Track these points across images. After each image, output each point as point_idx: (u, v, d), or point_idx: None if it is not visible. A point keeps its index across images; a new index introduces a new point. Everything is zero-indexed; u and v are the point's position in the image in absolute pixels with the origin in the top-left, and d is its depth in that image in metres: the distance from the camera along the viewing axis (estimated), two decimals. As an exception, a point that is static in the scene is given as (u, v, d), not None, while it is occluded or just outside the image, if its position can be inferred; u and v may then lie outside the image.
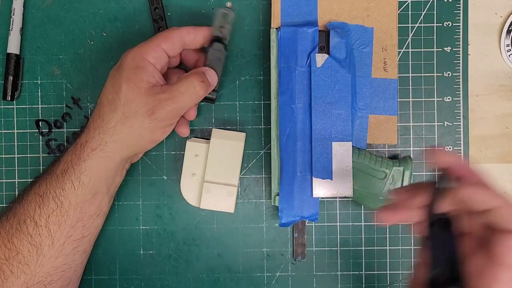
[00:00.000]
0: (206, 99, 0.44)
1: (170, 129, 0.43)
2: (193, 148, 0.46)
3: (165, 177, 0.48)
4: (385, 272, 0.48)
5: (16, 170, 0.48)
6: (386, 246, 0.48)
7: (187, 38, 0.42)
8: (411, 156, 0.48)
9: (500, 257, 0.31)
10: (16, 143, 0.48)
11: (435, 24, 0.48)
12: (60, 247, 0.41)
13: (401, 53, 0.48)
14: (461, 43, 0.48)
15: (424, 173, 0.48)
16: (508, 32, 0.48)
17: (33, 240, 0.40)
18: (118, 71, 0.41)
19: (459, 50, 0.48)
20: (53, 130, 0.48)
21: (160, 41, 0.41)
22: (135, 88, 0.40)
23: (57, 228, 0.40)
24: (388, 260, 0.48)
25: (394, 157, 0.48)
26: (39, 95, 0.48)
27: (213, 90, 0.44)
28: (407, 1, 0.48)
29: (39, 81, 0.48)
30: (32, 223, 0.40)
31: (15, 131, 0.48)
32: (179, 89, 0.40)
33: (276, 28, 0.45)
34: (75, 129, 0.48)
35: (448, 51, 0.48)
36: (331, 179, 0.44)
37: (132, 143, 0.41)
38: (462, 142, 0.48)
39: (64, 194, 0.40)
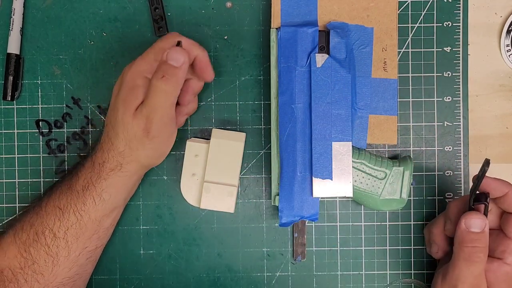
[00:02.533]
0: None
1: (173, 139, 0.43)
2: (193, 148, 0.46)
3: (165, 177, 0.48)
4: (385, 272, 0.48)
5: (16, 170, 0.48)
6: (386, 246, 0.48)
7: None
8: (411, 156, 0.48)
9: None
10: (16, 143, 0.48)
11: (435, 24, 0.48)
12: (75, 258, 0.41)
13: (401, 53, 0.48)
14: (461, 43, 0.48)
15: (424, 173, 0.48)
16: (508, 32, 0.48)
17: (50, 250, 0.40)
18: (117, 89, 0.41)
19: (459, 50, 0.48)
20: (53, 130, 0.48)
21: (154, 55, 0.41)
22: (128, 110, 0.39)
23: (75, 240, 0.41)
24: (388, 260, 0.48)
25: (394, 157, 0.48)
26: (39, 95, 0.48)
27: None
28: (407, 1, 0.48)
29: (39, 81, 0.48)
30: (51, 235, 0.40)
31: (15, 131, 0.48)
32: (150, 97, 0.39)
33: (276, 28, 0.45)
34: (75, 129, 0.48)
35: (448, 51, 0.48)
36: (331, 179, 0.44)
37: (144, 163, 0.42)
38: (462, 142, 0.48)
39: (85, 209, 0.41)
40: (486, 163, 0.38)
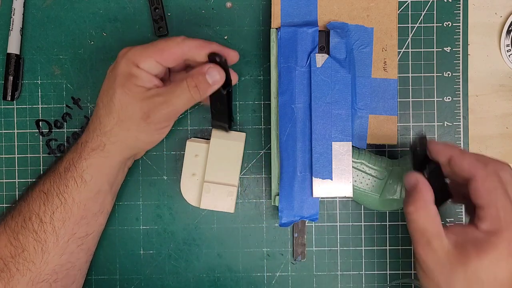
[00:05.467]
0: (219, 126, 0.45)
1: (167, 130, 0.43)
2: (193, 148, 0.46)
3: (165, 177, 0.48)
4: (385, 272, 0.48)
5: (16, 170, 0.48)
6: (386, 246, 0.48)
7: (190, 54, 0.41)
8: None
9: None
10: (16, 143, 0.48)
11: (435, 24, 0.48)
12: (65, 244, 0.41)
13: (401, 53, 0.48)
14: (461, 43, 0.48)
15: (424, 173, 0.48)
16: (508, 32, 0.48)
17: (38, 237, 0.40)
18: (112, 74, 0.41)
19: (459, 50, 0.48)
20: (53, 130, 0.48)
21: (153, 53, 0.40)
22: (129, 93, 0.39)
23: (62, 225, 0.40)
24: (388, 260, 0.48)
25: (394, 157, 0.48)
26: (39, 95, 0.48)
27: (228, 118, 0.44)
28: (407, 1, 0.48)
29: (39, 81, 0.48)
30: (37, 220, 0.40)
31: (15, 131, 0.48)
32: (173, 93, 0.39)
33: (276, 28, 0.45)
34: (75, 129, 0.48)
35: (448, 51, 0.48)
36: (331, 179, 0.44)
37: (130, 145, 0.42)
38: (462, 142, 0.48)
39: (67, 191, 0.41)
40: (419, 139, 0.38)
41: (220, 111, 0.44)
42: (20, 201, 0.42)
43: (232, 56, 0.42)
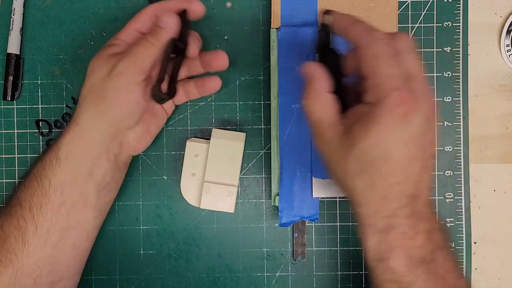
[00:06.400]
0: (157, 95, 0.41)
1: (138, 95, 0.40)
2: (193, 148, 0.46)
3: (165, 177, 0.48)
4: (385, 272, 0.48)
5: (16, 170, 0.48)
6: (386, 246, 0.48)
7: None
8: (411, 156, 0.48)
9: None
10: (16, 143, 0.48)
11: (435, 24, 0.48)
12: (45, 235, 0.39)
13: (401, 53, 0.48)
14: (461, 43, 0.48)
15: (424, 173, 0.48)
16: (508, 32, 0.48)
17: (18, 224, 0.39)
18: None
19: (459, 50, 0.48)
20: (53, 130, 0.48)
21: (130, 23, 0.42)
22: (99, 56, 0.40)
23: (39, 211, 0.39)
24: (388, 260, 0.48)
25: (394, 157, 0.48)
26: (39, 95, 0.48)
27: (170, 84, 0.42)
28: (407, 1, 0.48)
29: (39, 81, 0.48)
30: (18, 205, 0.39)
31: (15, 131, 0.48)
32: (133, 45, 0.40)
33: (276, 28, 0.45)
34: (75, 129, 0.48)
35: (448, 51, 0.48)
36: (331, 179, 0.44)
37: (102, 109, 0.40)
38: (462, 142, 0.48)
39: (44, 173, 0.40)
40: (323, 25, 0.37)
41: (169, 76, 0.43)
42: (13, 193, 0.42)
43: (194, 7, 0.41)
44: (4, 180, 0.48)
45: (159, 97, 0.41)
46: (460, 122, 0.48)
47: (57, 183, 0.40)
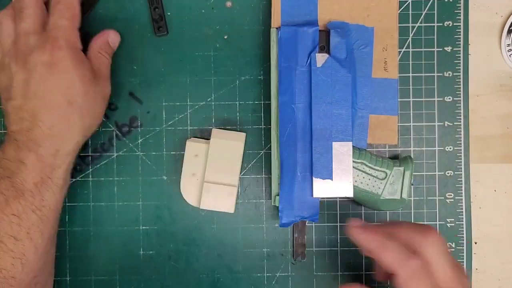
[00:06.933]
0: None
1: (86, 75, 0.41)
2: (193, 148, 0.46)
3: (165, 177, 0.48)
4: (386, 272, 0.48)
5: (16, 170, 0.48)
6: (387, 246, 0.48)
7: None
8: (412, 156, 0.48)
9: None
10: (15, 143, 0.48)
11: (435, 24, 0.48)
12: (44, 250, 0.40)
13: (401, 53, 0.48)
14: (461, 43, 0.48)
15: (424, 173, 0.48)
16: (509, 32, 0.48)
17: (15, 254, 0.38)
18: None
19: (459, 50, 0.48)
20: (52, 130, 0.48)
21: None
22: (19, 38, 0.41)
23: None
24: (388, 260, 0.48)
25: (394, 157, 0.48)
26: (39, 95, 0.48)
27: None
28: (407, 0, 0.48)
29: (38, 81, 0.48)
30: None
31: (15, 131, 0.48)
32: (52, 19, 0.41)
33: (276, 28, 0.45)
34: (74, 129, 0.48)
35: (449, 51, 0.48)
36: (331, 179, 0.44)
37: (52, 94, 0.40)
38: (462, 142, 0.48)
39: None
40: None
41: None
42: None
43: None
44: (4, 180, 0.48)
45: None
46: (460, 122, 0.48)
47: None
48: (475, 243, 0.49)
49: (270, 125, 0.47)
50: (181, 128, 0.48)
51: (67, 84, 0.40)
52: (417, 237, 0.36)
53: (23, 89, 0.39)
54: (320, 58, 0.44)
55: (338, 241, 0.48)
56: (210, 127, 0.48)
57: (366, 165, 0.45)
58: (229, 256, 0.48)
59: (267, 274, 0.48)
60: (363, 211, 0.48)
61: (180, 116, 0.48)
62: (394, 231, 0.37)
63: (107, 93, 0.44)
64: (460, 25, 0.48)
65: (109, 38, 0.45)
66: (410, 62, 0.48)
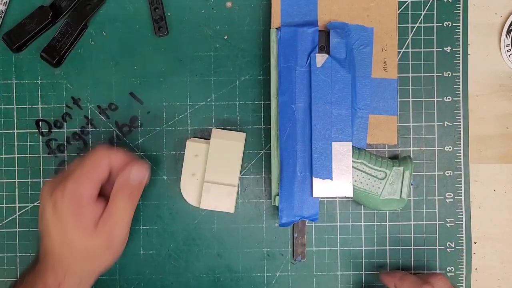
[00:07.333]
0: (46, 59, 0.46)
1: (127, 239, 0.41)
2: (193, 148, 0.46)
3: (165, 177, 0.48)
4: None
5: (16, 170, 0.48)
6: (386, 246, 0.48)
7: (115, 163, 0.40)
8: (411, 156, 0.48)
9: None
10: (16, 143, 0.48)
11: (435, 24, 0.48)
12: None
13: (401, 53, 0.48)
14: (461, 43, 0.48)
15: (424, 173, 0.48)
16: (508, 32, 0.48)
17: None
18: (51, 213, 0.38)
19: (459, 50, 0.48)
20: (53, 130, 0.48)
21: (90, 175, 0.39)
22: (85, 229, 0.38)
23: None
24: (388, 260, 0.48)
25: (394, 157, 0.48)
26: (39, 95, 0.48)
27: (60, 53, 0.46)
28: (407, 1, 0.48)
29: (39, 81, 0.48)
30: None
31: (15, 131, 0.48)
32: (115, 213, 0.39)
33: (276, 28, 0.45)
34: (75, 129, 0.48)
35: (448, 51, 0.48)
36: (331, 179, 0.44)
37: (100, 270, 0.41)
38: (462, 142, 0.48)
39: None
40: None
41: (60, 43, 0.46)
42: None
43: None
44: (4, 180, 0.48)
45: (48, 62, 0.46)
46: (460, 122, 0.48)
47: None
48: (475, 243, 0.49)
49: (270, 125, 0.47)
50: (181, 128, 0.48)
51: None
52: (428, 276, 0.43)
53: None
54: (320, 58, 0.44)
55: (338, 241, 0.48)
56: (210, 127, 0.48)
57: (366, 165, 0.45)
58: (229, 256, 0.48)
59: (267, 274, 0.48)
60: (363, 211, 0.48)
61: (180, 116, 0.48)
62: (410, 274, 0.45)
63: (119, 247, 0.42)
64: (459, 25, 0.48)
65: (131, 175, 0.40)
66: (410, 62, 0.48)
